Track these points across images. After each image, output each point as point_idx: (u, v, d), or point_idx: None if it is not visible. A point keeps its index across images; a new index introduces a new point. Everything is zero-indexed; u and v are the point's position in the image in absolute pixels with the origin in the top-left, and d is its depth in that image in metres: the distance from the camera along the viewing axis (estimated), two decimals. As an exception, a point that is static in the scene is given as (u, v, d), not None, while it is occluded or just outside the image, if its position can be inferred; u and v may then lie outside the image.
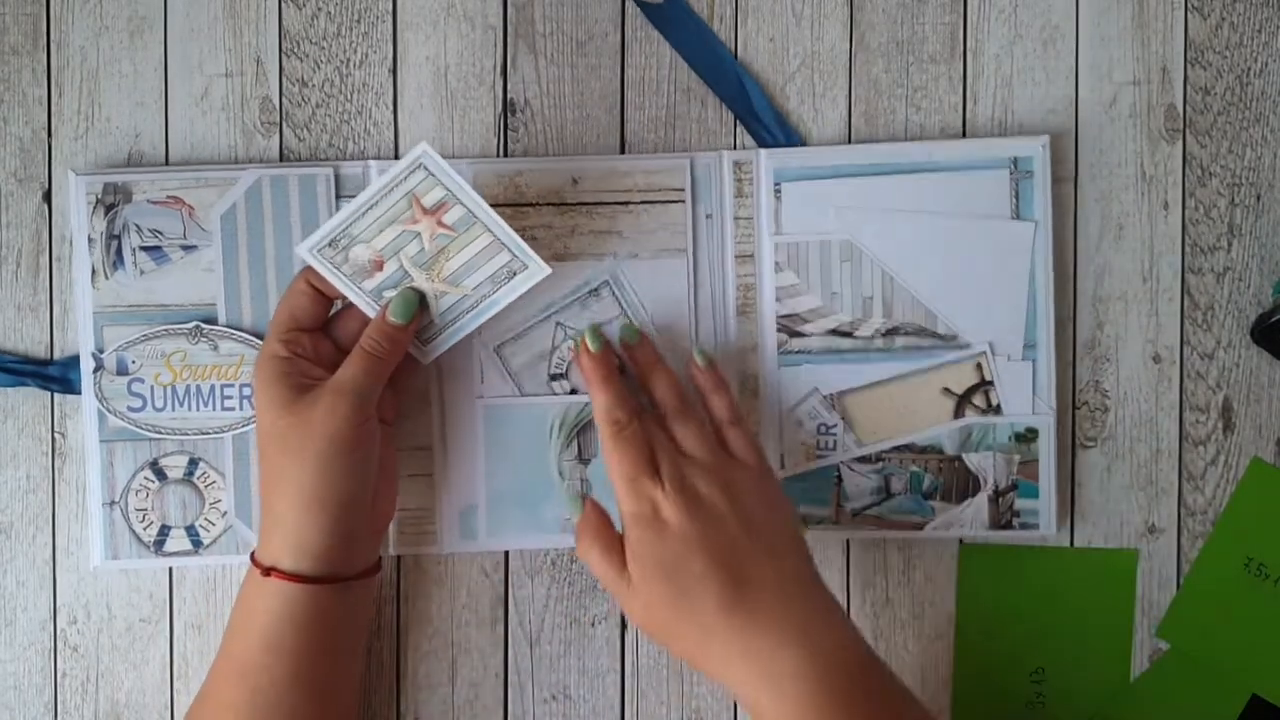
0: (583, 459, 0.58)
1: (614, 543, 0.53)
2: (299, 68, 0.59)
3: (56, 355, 0.58)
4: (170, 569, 0.59)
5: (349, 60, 0.59)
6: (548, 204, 0.58)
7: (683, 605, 0.50)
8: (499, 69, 0.59)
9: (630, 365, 0.57)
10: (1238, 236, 0.60)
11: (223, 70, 0.59)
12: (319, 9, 0.59)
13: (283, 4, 0.59)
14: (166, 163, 0.59)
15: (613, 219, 0.58)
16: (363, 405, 0.52)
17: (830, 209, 0.58)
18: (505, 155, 0.59)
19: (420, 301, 0.54)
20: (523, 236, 0.55)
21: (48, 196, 0.59)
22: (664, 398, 0.56)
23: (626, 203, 0.58)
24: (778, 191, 0.58)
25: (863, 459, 0.58)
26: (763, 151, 0.58)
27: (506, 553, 0.59)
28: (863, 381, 0.58)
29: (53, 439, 0.59)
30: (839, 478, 0.58)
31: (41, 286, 0.59)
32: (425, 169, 0.53)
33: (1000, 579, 0.60)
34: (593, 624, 0.60)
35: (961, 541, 0.60)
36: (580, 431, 0.58)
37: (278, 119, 0.59)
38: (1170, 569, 0.60)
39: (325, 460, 0.52)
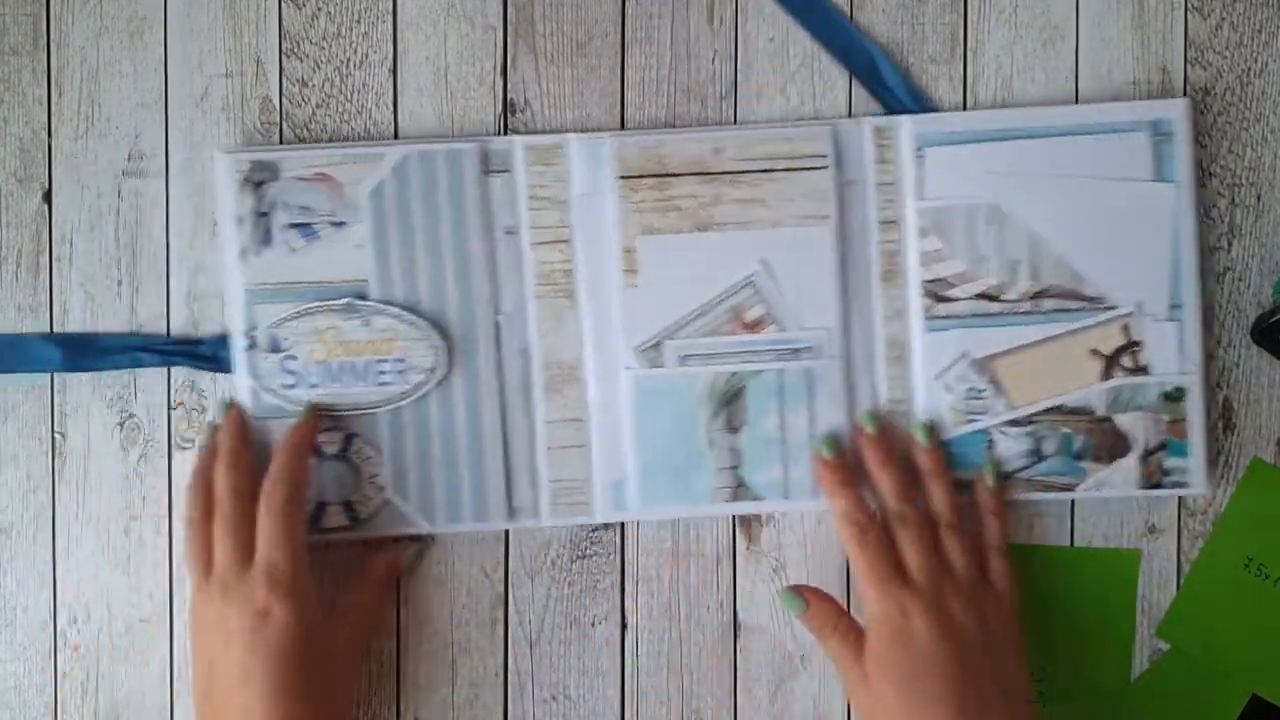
0: (731, 428, 0.58)
1: (851, 630, 0.54)
2: (299, 68, 0.59)
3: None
4: (170, 568, 0.59)
5: (349, 60, 0.59)
6: (691, 174, 0.58)
7: (913, 716, 0.51)
8: (499, 69, 0.59)
9: (913, 463, 0.57)
10: (1238, 236, 0.60)
11: (223, 70, 0.59)
12: (319, 9, 0.59)
13: (283, 4, 0.59)
14: (166, 163, 0.59)
15: (756, 186, 0.58)
16: None
17: (975, 173, 0.58)
18: (505, 155, 0.59)
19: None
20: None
21: (48, 196, 0.59)
22: (940, 507, 0.56)
23: (770, 170, 0.58)
24: (920, 156, 0.58)
25: (1013, 422, 0.58)
26: (904, 117, 0.58)
27: (506, 553, 0.59)
28: (1011, 345, 0.58)
29: (53, 439, 0.59)
30: (991, 442, 0.58)
31: (41, 287, 0.59)
32: (753, 285, 0.57)
33: (1000, 579, 0.60)
34: (593, 624, 0.60)
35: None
36: (729, 401, 0.58)
37: (278, 119, 0.59)
38: (1170, 569, 0.60)
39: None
